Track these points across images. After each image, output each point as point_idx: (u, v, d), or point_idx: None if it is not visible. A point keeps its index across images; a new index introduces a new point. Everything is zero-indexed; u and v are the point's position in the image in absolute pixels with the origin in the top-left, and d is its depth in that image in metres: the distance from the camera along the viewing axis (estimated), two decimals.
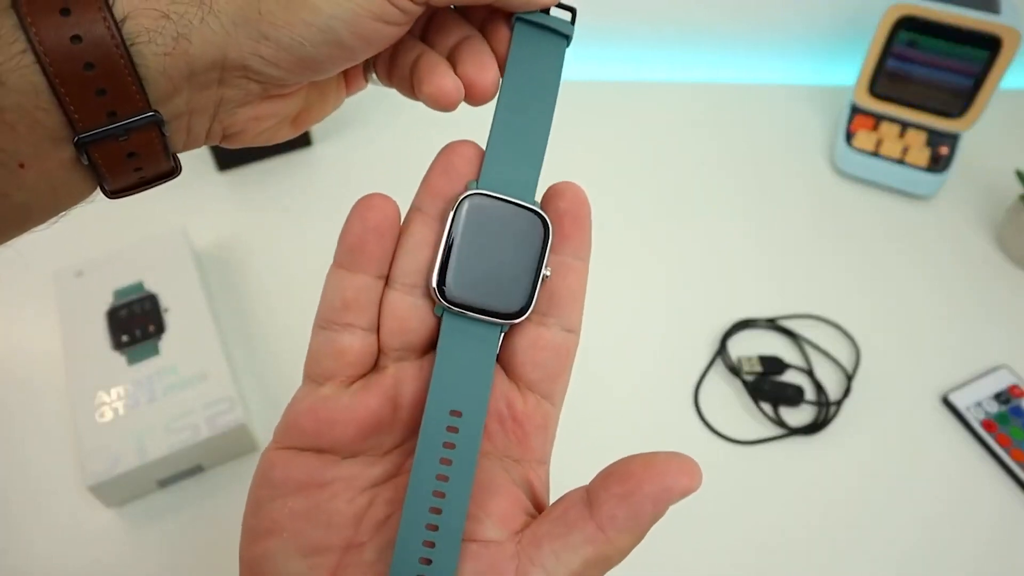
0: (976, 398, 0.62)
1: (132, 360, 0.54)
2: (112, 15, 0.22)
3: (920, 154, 0.76)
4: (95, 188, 0.25)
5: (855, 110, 0.80)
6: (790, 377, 0.63)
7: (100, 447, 0.50)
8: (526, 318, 0.25)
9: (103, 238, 0.62)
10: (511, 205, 0.25)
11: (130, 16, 0.22)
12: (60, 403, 0.55)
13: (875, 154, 0.77)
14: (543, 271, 0.25)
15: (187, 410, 0.52)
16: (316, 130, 0.77)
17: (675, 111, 0.85)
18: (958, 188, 0.78)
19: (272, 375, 0.59)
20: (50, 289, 0.59)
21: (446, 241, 0.24)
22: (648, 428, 0.59)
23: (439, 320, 0.25)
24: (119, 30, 0.22)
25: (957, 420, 0.61)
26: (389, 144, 0.76)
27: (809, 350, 0.65)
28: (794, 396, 0.61)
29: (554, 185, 0.26)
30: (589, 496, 0.23)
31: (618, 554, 0.23)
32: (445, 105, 0.27)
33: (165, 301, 0.58)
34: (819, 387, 0.62)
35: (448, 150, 0.26)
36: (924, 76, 0.75)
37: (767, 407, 0.61)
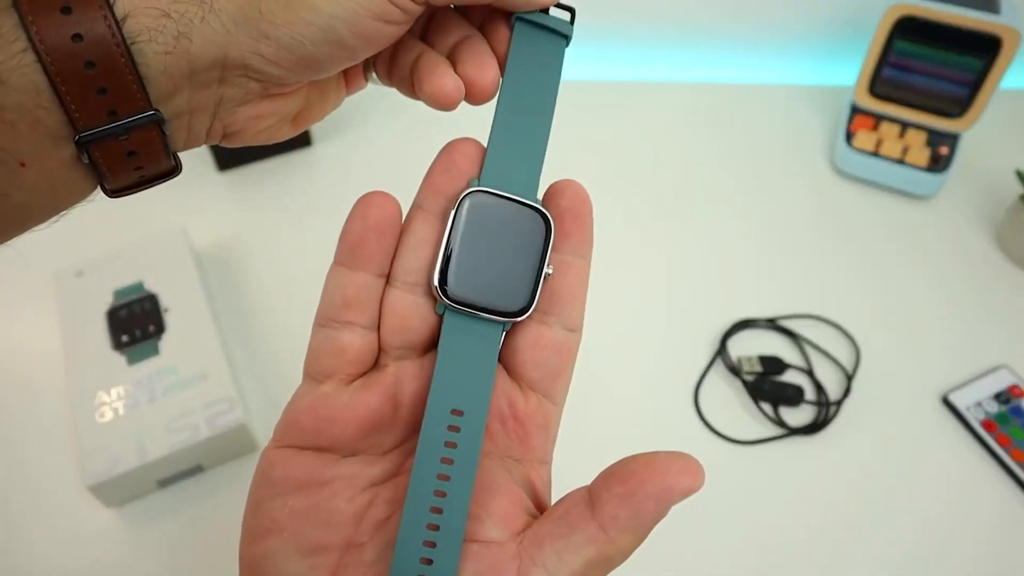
0: (976, 398, 0.62)
1: (132, 360, 0.54)
2: (113, 14, 0.22)
3: (920, 154, 0.76)
4: (95, 187, 0.25)
5: (855, 110, 0.80)
6: (790, 377, 0.63)
7: (100, 447, 0.50)
8: (528, 316, 0.25)
9: (103, 238, 0.62)
10: (513, 203, 0.25)
11: (131, 15, 0.22)
12: (60, 403, 0.55)
13: (875, 154, 0.77)
14: (545, 269, 0.25)
15: (187, 410, 0.52)
16: (316, 130, 0.77)
17: (675, 111, 0.84)
18: (958, 188, 0.78)
19: (272, 375, 0.59)
20: (50, 289, 0.59)
21: (447, 239, 0.24)
22: (648, 428, 0.59)
23: (440, 318, 0.25)
24: (120, 29, 0.22)
25: (957, 420, 0.61)
26: (389, 144, 0.76)
27: (809, 350, 0.65)
28: (794, 396, 0.61)
29: (555, 183, 0.26)
30: (591, 496, 0.23)
31: (620, 554, 0.23)
32: (445, 104, 0.27)
33: (165, 301, 0.57)
34: (819, 387, 0.62)
35: (450, 148, 0.26)
36: (921, 85, 0.75)
37: (767, 407, 0.61)
